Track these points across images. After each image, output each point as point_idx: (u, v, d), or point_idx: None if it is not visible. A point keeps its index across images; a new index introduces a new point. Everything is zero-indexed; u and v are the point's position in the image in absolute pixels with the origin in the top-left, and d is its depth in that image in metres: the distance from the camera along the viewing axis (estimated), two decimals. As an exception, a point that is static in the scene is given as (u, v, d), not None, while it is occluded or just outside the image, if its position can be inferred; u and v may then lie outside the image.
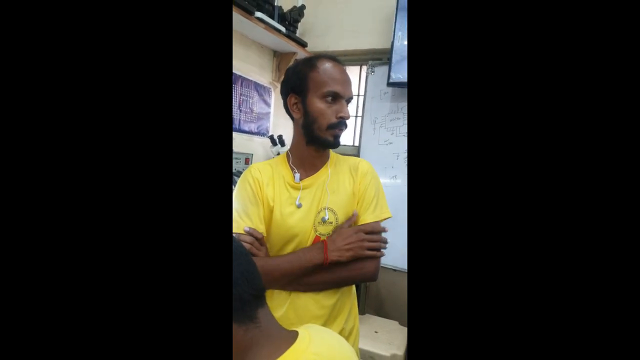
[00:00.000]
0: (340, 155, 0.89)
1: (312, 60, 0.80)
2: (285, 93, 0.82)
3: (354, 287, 0.88)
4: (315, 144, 0.80)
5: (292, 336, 0.49)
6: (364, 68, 1.96)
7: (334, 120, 0.77)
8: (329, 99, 0.77)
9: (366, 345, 1.45)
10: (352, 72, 2.05)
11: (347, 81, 0.79)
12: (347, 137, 2.07)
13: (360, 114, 1.97)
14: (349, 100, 0.80)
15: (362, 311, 1.82)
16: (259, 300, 0.48)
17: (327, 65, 0.78)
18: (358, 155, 1.90)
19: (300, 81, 0.78)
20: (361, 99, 1.96)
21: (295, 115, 0.81)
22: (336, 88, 0.77)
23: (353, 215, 0.81)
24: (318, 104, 0.77)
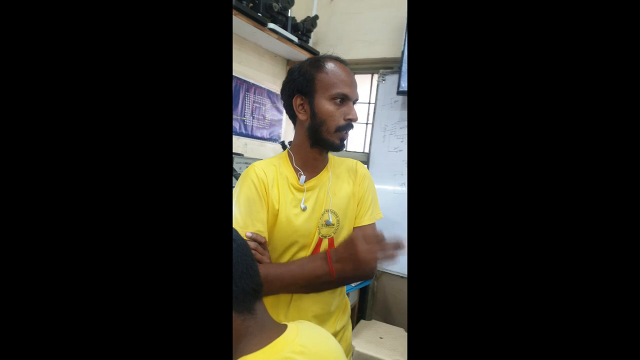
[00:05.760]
0: (336, 157, 0.89)
1: (319, 61, 0.78)
2: (289, 94, 0.80)
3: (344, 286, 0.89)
4: (320, 146, 0.79)
5: (282, 328, 0.52)
6: (375, 76, 1.99)
7: (342, 122, 0.76)
8: (338, 100, 0.76)
9: (370, 350, 1.46)
10: (364, 80, 2.08)
11: (354, 83, 0.78)
12: (357, 144, 2.09)
13: (370, 121, 1.99)
14: (355, 101, 0.79)
15: (368, 317, 1.83)
16: (258, 294, 0.52)
17: (335, 67, 0.77)
18: (368, 162, 1.93)
19: (307, 82, 0.76)
20: (372, 106, 1.99)
21: (301, 117, 0.79)
22: (345, 90, 0.76)
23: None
24: (327, 106, 0.76)
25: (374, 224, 0.85)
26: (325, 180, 0.82)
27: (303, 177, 0.80)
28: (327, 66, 0.77)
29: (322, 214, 0.80)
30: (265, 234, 0.76)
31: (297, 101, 0.79)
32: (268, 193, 0.77)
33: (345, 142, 0.79)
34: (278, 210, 0.77)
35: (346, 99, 0.76)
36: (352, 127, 0.78)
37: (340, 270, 0.71)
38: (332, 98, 0.76)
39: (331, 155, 0.88)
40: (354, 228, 0.83)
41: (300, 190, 0.79)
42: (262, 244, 0.75)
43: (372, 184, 0.87)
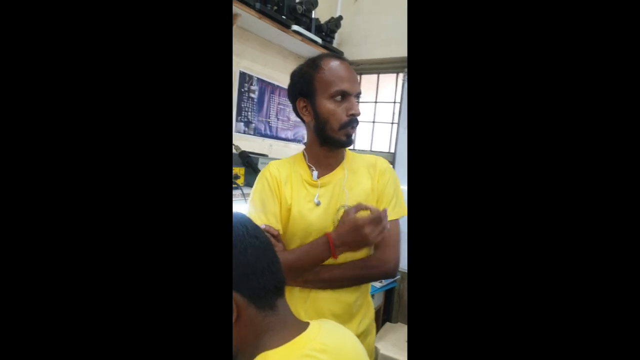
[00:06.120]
0: (356, 154, 0.89)
1: (316, 61, 0.79)
2: (292, 97, 0.82)
3: (369, 286, 0.88)
4: (328, 144, 0.80)
5: (304, 325, 0.52)
6: (401, 75, 1.96)
7: (345, 119, 0.77)
8: (338, 98, 0.76)
9: (396, 354, 1.44)
10: (389, 79, 2.06)
11: (353, 77, 0.78)
12: (383, 144, 2.07)
13: (396, 120, 1.97)
14: (357, 96, 0.79)
15: (394, 320, 1.80)
16: (280, 291, 0.52)
17: (332, 64, 0.77)
18: (393, 162, 1.90)
19: (306, 84, 0.78)
20: (397, 106, 1.96)
21: (305, 119, 0.81)
22: (344, 86, 0.76)
23: (364, 206, 0.75)
24: (327, 105, 0.77)
25: (397, 220, 0.82)
26: (340, 177, 0.82)
27: (316, 173, 0.82)
28: (324, 65, 0.77)
29: (338, 210, 0.80)
30: (278, 227, 0.79)
31: (300, 104, 0.81)
32: (280, 189, 0.80)
33: (352, 137, 0.79)
34: (291, 205, 0.79)
35: (346, 94, 0.77)
36: (356, 122, 0.79)
37: (344, 251, 0.71)
38: (332, 96, 0.76)
39: (349, 152, 0.87)
40: (345, 210, 0.77)
41: (314, 186, 0.81)
42: (275, 237, 0.77)
43: (394, 179, 0.85)
